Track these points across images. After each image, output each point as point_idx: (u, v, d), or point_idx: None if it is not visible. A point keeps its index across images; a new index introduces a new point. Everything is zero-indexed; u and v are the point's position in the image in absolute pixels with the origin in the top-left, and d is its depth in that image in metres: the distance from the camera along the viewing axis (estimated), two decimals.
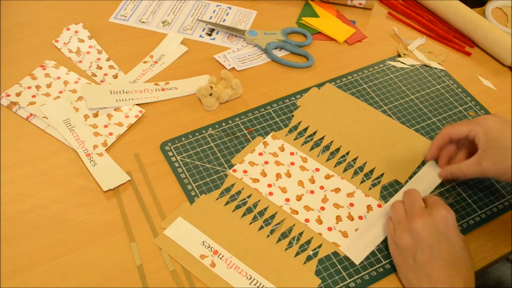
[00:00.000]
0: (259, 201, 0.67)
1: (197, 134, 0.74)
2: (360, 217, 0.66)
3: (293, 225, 0.65)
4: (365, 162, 0.72)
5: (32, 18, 0.89)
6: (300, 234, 0.64)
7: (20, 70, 0.80)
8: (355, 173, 0.71)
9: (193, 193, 0.67)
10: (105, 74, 0.81)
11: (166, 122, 0.75)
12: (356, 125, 0.76)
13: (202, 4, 0.95)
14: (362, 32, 0.92)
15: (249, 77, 0.82)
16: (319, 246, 0.63)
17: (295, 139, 0.74)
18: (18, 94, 0.77)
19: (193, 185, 0.68)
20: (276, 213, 0.66)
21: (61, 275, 0.59)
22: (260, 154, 0.72)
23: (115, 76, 0.81)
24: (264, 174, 0.70)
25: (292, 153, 0.72)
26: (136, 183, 0.68)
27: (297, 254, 0.62)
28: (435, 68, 0.86)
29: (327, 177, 0.70)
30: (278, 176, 0.70)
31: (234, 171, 0.69)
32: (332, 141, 0.74)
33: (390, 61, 0.87)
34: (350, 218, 0.66)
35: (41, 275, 0.59)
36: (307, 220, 0.65)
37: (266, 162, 0.71)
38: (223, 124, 0.75)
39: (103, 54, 0.84)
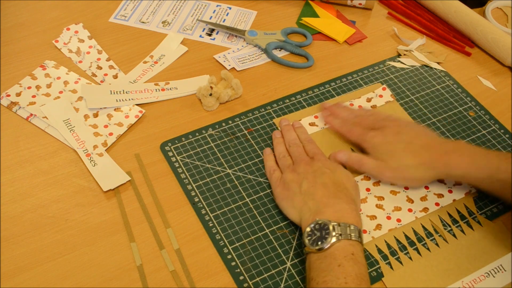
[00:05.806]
0: None
1: (197, 134, 0.74)
2: None
3: None
4: None
5: (32, 18, 0.89)
6: None
7: (20, 70, 0.80)
8: None
9: (193, 193, 0.67)
10: (105, 74, 0.81)
11: (166, 122, 0.75)
12: None
13: (202, 4, 0.95)
14: (362, 32, 0.92)
15: (249, 77, 0.82)
16: None
17: None
18: (18, 94, 0.77)
19: (193, 185, 0.68)
20: None
21: (61, 275, 0.59)
22: None
23: (115, 76, 0.81)
24: None
25: None
26: (136, 183, 0.68)
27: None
28: (435, 69, 0.86)
29: None
30: None
31: None
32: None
33: (390, 61, 0.87)
34: None
35: (41, 275, 0.59)
36: None
37: None
38: (223, 124, 0.75)
39: (103, 54, 0.84)
